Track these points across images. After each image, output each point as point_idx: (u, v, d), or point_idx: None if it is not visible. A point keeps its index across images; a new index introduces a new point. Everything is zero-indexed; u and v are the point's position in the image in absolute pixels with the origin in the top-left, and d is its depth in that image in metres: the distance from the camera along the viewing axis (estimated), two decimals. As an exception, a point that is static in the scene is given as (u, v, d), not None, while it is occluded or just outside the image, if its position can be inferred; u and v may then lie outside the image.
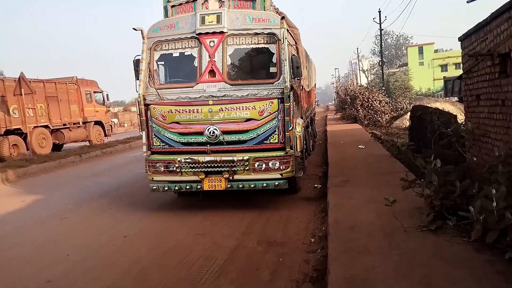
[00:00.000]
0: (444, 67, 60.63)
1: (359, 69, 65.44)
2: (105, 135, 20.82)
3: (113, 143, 18.96)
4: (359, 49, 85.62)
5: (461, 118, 9.27)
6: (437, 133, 8.16)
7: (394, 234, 4.38)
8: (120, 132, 33.10)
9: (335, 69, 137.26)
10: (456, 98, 23.68)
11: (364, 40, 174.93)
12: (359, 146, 11.63)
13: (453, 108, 19.14)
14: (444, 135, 7.87)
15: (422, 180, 5.17)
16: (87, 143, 19.56)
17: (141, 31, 6.83)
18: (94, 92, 20.54)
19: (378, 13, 37.56)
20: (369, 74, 61.85)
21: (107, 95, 21.05)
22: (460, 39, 7.63)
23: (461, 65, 7.91)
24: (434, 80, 59.16)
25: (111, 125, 21.97)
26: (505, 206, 3.75)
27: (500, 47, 5.63)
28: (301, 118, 8.50)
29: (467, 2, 3.96)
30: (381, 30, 38.51)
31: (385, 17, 37.35)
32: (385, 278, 3.38)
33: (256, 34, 6.56)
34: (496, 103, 5.91)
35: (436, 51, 64.95)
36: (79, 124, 19.10)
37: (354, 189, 6.62)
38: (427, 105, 16.92)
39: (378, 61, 42.80)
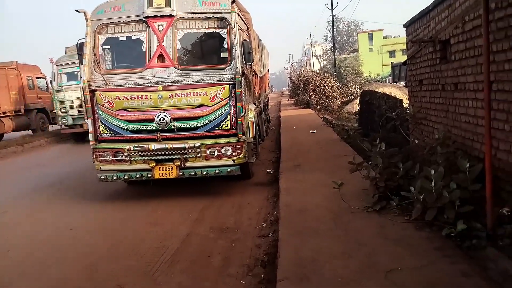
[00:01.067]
0: (392, 53, 62.99)
1: (312, 55, 66.40)
2: (50, 123, 19.73)
3: (59, 131, 18.02)
4: (312, 35, 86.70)
5: (406, 102, 9.69)
6: (384, 117, 8.50)
7: (342, 215, 4.53)
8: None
9: (289, 54, 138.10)
10: (403, 83, 24.73)
11: (317, 26, 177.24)
12: (311, 131, 11.87)
13: (400, 93, 19.94)
14: (390, 119, 8.21)
15: (369, 163, 5.38)
16: (30, 132, 18.46)
17: (84, 13, 6.47)
18: (37, 77, 19.33)
19: (330, -1, 38.09)
20: (322, 59, 62.91)
21: (50, 81, 19.86)
22: (405, 25, 7.91)
23: (406, 51, 8.24)
24: (383, 65, 61.29)
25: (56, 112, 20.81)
26: (443, 185, 3.99)
27: (441, 34, 5.90)
28: (254, 104, 8.50)
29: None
30: (333, 16, 39.19)
31: (337, 3, 37.97)
32: (332, 258, 3.50)
33: (207, 18, 6.43)
34: (437, 88, 6.22)
35: (385, 37, 67.20)
36: (21, 112, 17.94)
37: (305, 173, 6.75)
38: (376, 90, 17.55)
39: (330, 47, 43.62)
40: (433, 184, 3.93)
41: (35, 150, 14.87)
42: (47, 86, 19.86)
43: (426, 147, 5.17)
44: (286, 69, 31.45)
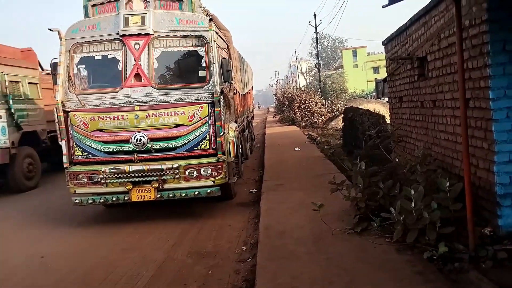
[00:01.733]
0: (376, 69, 63.98)
1: (298, 72, 67.10)
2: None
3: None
4: (297, 52, 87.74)
5: (389, 118, 9.71)
6: (366, 134, 8.46)
7: (323, 238, 4.39)
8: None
9: (275, 71, 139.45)
10: (386, 99, 25.02)
11: (301, 43, 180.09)
12: (295, 149, 11.79)
13: (384, 108, 20.14)
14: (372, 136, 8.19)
15: (351, 182, 5.28)
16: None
17: (58, 31, 6.33)
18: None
19: (314, 16, 38.73)
20: (307, 76, 63.62)
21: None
22: (384, 43, 7.98)
23: (385, 68, 8.28)
24: (367, 81, 62.19)
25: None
26: (424, 205, 3.89)
27: (418, 51, 5.92)
28: (236, 122, 8.39)
29: (382, 7, 4.05)
30: (316, 33, 39.76)
31: (320, 20, 38.61)
32: (311, 285, 3.34)
33: (184, 36, 6.34)
34: (416, 105, 6.21)
35: (368, 53, 68.39)
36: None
37: (287, 193, 6.62)
38: (360, 106, 17.68)
39: (315, 63, 44.16)
40: (413, 204, 3.83)
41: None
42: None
43: (407, 166, 5.10)
44: (271, 86, 31.59)
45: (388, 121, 10.07)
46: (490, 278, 3.07)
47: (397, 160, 5.83)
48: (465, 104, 3.78)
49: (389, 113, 8.51)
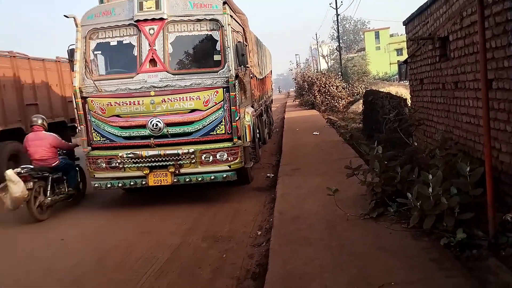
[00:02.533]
0: (399, 51, 62.15)
1: (319, 55, 66.02)
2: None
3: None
4: (318, 35, 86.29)
5: (410, 101, 9.44)
6: (387, 118, 8.27)
7: (337, 224, 4.33)
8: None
9: (296, 55, 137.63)
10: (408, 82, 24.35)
11: (322, 25, 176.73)
12: (314, 133, 11.66)
13: (406, 91, 19.56)
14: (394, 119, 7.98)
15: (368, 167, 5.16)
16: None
17: (74, 18, 6.36)
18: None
19: (335, -2, 37.73)
20: (329, 59, 62.51)
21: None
22: (404, 23, 7.68)
23: (404, 50, 8.00)
24: (390, 64, 60.64)
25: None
26: (443, 191, 3.77)
27: (440, 30, 5.67)
28: (253, 107, 8.33)
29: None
30: (337, 15, 38.80)
31: (341, 2, 37.53)
32: (322, 272, 3.30)
33: (198, 20, 6.27)
34: (438, 87, 5.98)
35: (391, 35, 66.43)
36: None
37: (304, 178, 6.56)
38: (382, 89, 17.27)
39: (336, 46, 43.25)
40: (430, 190, 3.71)
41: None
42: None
43: (426, 150, 4.94)
44: (291, 70, 31.17)
45: (409, 104, 9.80)
46: (509, 266, 2.95)
47: (416, 144, 5.66)
48: (486, 85, 3.59)
49: (409, 96, 8.26)
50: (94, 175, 6.45)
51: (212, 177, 6.23)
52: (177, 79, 6.20)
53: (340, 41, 40.72)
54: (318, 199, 5.29)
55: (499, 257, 3.13)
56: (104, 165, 6.34)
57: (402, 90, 19.62)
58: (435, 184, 3.76)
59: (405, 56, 7.80)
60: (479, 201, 3.68)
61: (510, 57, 3.65)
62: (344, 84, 23.04)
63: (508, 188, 3.83)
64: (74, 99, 6.39)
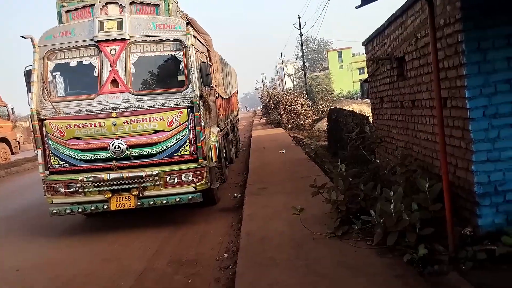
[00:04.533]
0: (361, 70, 64.35)
1: (284, 74, 67.24)
2: (12, 153, 18.87)
3: (20, 162, 17.28)
4: (283, 54, 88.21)
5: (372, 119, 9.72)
6: (350, 136, 8.45)
7: (303, 243, 4.32)
8: (31, 149, 30.38)
9: (262, 74, 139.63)
10: (371, 99, 25.15)
11: (287, 45, 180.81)
12: (280, 151, 11.74)
13: (369, 109, 20.24)
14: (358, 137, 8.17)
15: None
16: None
17: (31, 38, 6.17)
18: (-3, 106, 18.58)
19: (298, 19, 38.87)
20: (294, 78, 63.77)
21: (12, 109, 19.13)
22: (364, 44, 7.98)
23: (365, 69, 8.28)
24: (353, 82, 62.65)
25: (18, 142, 19.96)
26: (404, 207, 3.85)
27: (397, 51, 5.91)
28: (218, 126, 8.30)
29: (355, 7, 4.00)
30: (301, 35, 39.88)
31: (305, 22, 38.67)
32: (289, 293, 3.26)
33: (161, 41, 6.24)
34: (396, 105, 6.19)
35: (353, 55, 68.93)
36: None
37: (270, 197, 6.55)
38: (345, 107, 17.75)
39: (301, 65, 44.27)
40: (392, 206, 3.78)
41: (-7, 182, 14.09)
42: (8, 114, 19.09)
43: (388, 167, 5.07)
44: (257, 89, 31.53)
45: (371, 122, 10.09)
46: (469, 280, 3.03)
47: (378, 161, 5.80)
48: (440, 103, 3.75)
49: (371, 114, 8.51)
50: (52, 201, 6.16)
51: (177, 199, 6.10)
52: (140, 100, 6.10)
53: (305, 60, 41.69)
54: (284, 218, 5.28)
55: (459, 271, 3.21)
56: (63, 190, 6.08)
57: (364, 108, 20.25)
58: (397, 200, 3.84)
59: (366, 74, 8.07)
60: (438, 216, 3.78)
61: (462, 77, 3.83)
62: (309, 102, 23.52)
63: (465, 202, 3.97)
64: (30, 122, 6.12)
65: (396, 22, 5.78)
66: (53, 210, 6.18)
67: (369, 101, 25.21)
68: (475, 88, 3.77)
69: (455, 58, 3.95)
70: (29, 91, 6.20)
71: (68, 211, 6.15)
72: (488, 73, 3.73)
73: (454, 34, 3.92)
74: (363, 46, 8.08)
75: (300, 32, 39.20)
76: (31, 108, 6.08)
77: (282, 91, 27.91)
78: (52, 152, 6.13)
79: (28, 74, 6.23)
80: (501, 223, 3.64)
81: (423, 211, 3.80)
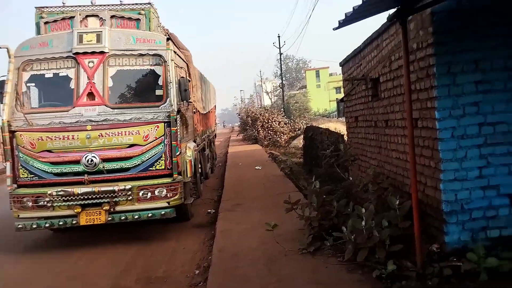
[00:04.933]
0: (338, 89, 65.72)
1: (263, 91, 67.88)
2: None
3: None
4: (262, 72, 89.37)
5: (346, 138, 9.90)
6: (324, 153, 8.57)
7: (276, 259, 4.32)
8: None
9: (241, 90, 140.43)
10: (347, 119, 25.62)
11: (266, 63, 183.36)
12: (256, 167, 11.78)
13: (344, 127, 20.58)
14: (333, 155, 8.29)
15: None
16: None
17: (7, 49, 6.06)
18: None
19: (278, 38, 39.59)
20: (272, 95, 64.44)
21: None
22: (341, 64, 8.19)
23: (342, 88, 8.48)
24: (330, 101, 63.78)
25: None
26: (375, 224, 3.92)
27: (372, 72, 6.10)
28: (195, 141, 8.28)
29: (333, 29, 4.13)
30: (280, 54, 40.60)
31: (284, 42, 39.55)
32: (260, 310, 3.24)
33: (141, 55, 6.24)
34: (370, 124, 6.35)
35: (331, 74, 70.38)
36: None
37: (245, 213, 6.53)
38: (322, 125, 18.00)
39: (280, 83, 44.87)
40: (363, 223, 3.85)
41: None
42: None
43: (361, 184, 5.17)
44: (235, 105, 31.82)
45: (346, 140, 10.27)
46: (435, 296, 3.10)
47: (351, 178, 5.90)
48: (412, 123, 3.88)
49: (346, 132, 8.68)
50: (19, 215, 5.95)
51: (150, 215, 6.00)
52: (117, 113, 6.04)
53: (283, 79, 42.28)
54: (258, 234, 5.27)
55: (426, 287, 3.28)
56: (30, 204, 5.89)
57: (340, 126, 20.57)
58: (368, 217, 3.91)
59: (343, 94, 8.29)
60: (408, 233, 3.87)
61: (432, 99, 3.98)
62: (286, 119, 23.78)
63: (433, 220, 4.08)
64: (1, 133, 5.95)
65: (372, 45, 5.98)
66: (18, 224, 5.96)
67: (344, 120, 25.49)
68: (445, 110, 3.91)
69: (426, 80, 4.11)
70: (1, 101, 6.06)
71: (34, 226, 5.94)
72: (457, 95, 3.89)
73: (426, 57, 4.08)
74: (340, 66, 8.29)
75: (280, 51, 39.89)
76: (3, 119, 5.92)
77: (260, 108, 28.10)
78: (21, 165, 5.95)
79: (1, 85, 6.08)
80: (466, 240, 3.75)
81: (393, 228, 3.88)
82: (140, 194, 5.95)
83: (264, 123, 22.19)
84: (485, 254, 3.38)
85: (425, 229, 3.93)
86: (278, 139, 21.42)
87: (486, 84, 3.87)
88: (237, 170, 11.93)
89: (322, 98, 62.45)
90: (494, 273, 3.28)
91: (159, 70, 6.30)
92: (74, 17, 6.44)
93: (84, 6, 6.59)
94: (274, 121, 22.14)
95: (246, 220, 6.07)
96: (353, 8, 3.17)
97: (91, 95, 6.06)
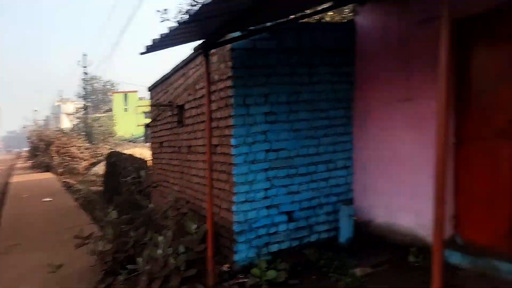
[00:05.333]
0: (147, 114, 64.83)
1: (62, 112, 61.19)
2: None
3: None
4: (63, 92, 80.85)
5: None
6: (124, 180, 8.08)
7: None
8: None
9: (34, 111, 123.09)
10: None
11: (69, 83, 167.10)
12: (45, 199, 10.23)
13: (151, 153, 20.18)
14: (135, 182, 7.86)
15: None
16: None
17: None
18: None
19: (83, 56, 36.66)
20: (73, 118, 58.69)
21: None
22: (149, 89, 8.01)
23: (149, 113, 8.26)
24: (138, 125, 62.18)
25: None
26: (172, 251, 3.78)
27: (178, 99, 6.11)
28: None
29: (140, 53, 3.92)
30: (85, 73, 37.67)
31: (91, 61, 36.78)
32: None
33: None
34: (175, 150, 6.31)
35: (140, 98, 68.98)
36: None
37: (23, 255, 5.45)
38: (127, 150, 17.15)
39: (83, 105, 41.30)
40: (160, 251, 3.65)
41: None
42: None
43: (161, 211, 4.98)
44: (25, 127, 27.39)
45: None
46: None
47: (152, 205, 5.66)
48: (210, 149, 3.97)
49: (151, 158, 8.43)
50: None
51: None
52: None
53: (89, 100, 39.11)
54: (37, 279, 4.40)
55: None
56: None
57: (146, 152, 20.12)
58: (165, 245, 3.75)
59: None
60: (203, 256, 3.87)
61: (230, 127, 4.19)
62: (87, 144, 21.79)
63: (226, 240, 4.22)
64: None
65: (179, 72, 6.01)
66: None
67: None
68: (240, 137, 4.17)
69: (225, 110, 4.31)
70: None
71: None
72: (250, 125, 4.22)
73: (225, 89, 4.29)
74: (148, 91, 8.08)
75: (85, 71, 36.99)
76: None
77: (57, 131, 25.04)
78: None
79: None
80: (253, 257, 4.05)
81: (190, 252, 3.83)
82: None
83: (60, 148, 19.72)
84: (266, 268, 3.69)
85: (219, 251, 4.02)
86: (76, 165, 19.32)
87: (273, 115, 4.32)
88: (20, 203, 10.07)
89: (130, 122, 60.36)
90: (274, 284, 3.57)
91: None
92: None
93: None
94: (73, 145, 19.96)
95: (23, 263, 5.03)
96: (161, 35, 3.09)
97: None
